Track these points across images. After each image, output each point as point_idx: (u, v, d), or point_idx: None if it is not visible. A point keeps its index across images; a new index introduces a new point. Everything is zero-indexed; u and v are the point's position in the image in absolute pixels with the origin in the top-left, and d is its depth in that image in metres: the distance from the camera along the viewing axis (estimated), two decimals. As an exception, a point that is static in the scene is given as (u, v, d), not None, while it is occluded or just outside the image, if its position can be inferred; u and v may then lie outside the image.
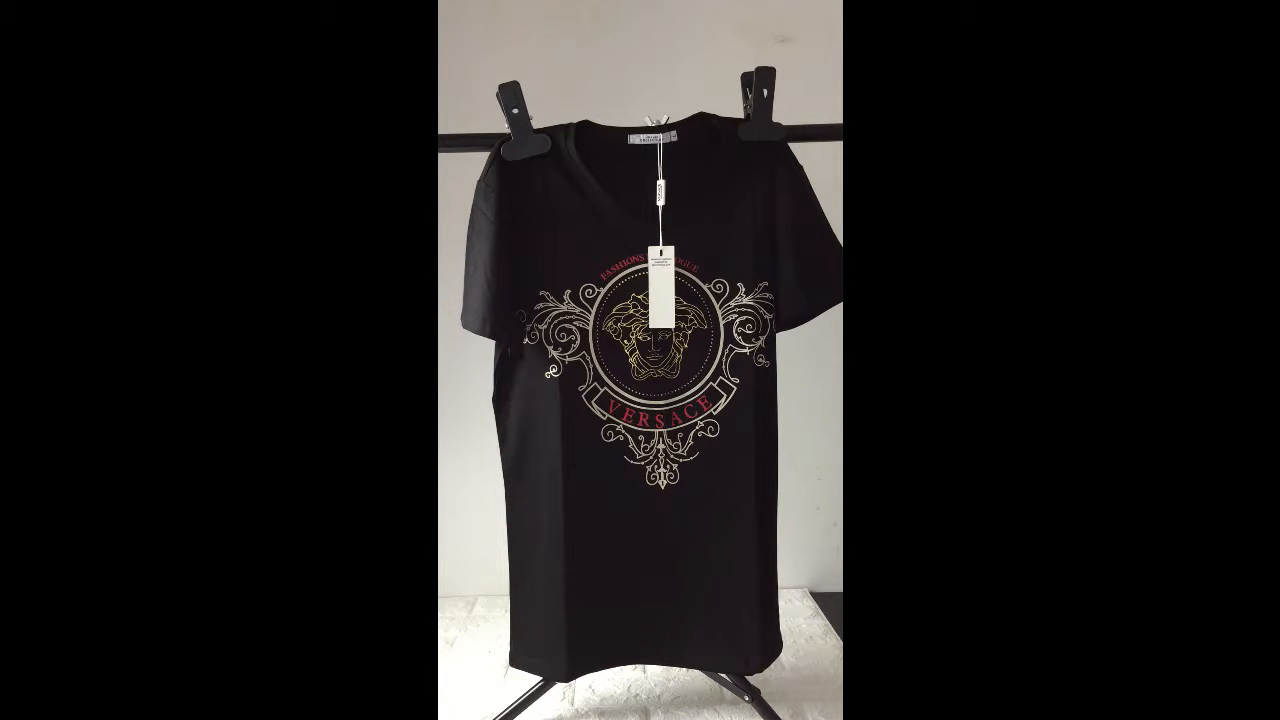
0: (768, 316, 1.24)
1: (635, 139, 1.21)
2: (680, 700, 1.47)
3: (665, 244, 1.19)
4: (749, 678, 1.37)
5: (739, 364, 1.24)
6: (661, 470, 1.25)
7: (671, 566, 1.27)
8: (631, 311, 1.22)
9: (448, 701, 1.48)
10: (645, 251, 1.21)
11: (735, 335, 1.24)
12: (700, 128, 1.21)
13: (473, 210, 1.19)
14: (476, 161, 1.20)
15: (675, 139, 1.20)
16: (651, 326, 1.21)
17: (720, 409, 1.24)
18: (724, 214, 1.21)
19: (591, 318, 1.22)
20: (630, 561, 1.26)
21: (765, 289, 1.23)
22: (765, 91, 1.21)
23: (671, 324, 1.20)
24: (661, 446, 1.25)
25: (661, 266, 1.19)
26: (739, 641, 1.29)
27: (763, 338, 1.24)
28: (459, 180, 1.23)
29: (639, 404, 1.23)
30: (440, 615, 1.85)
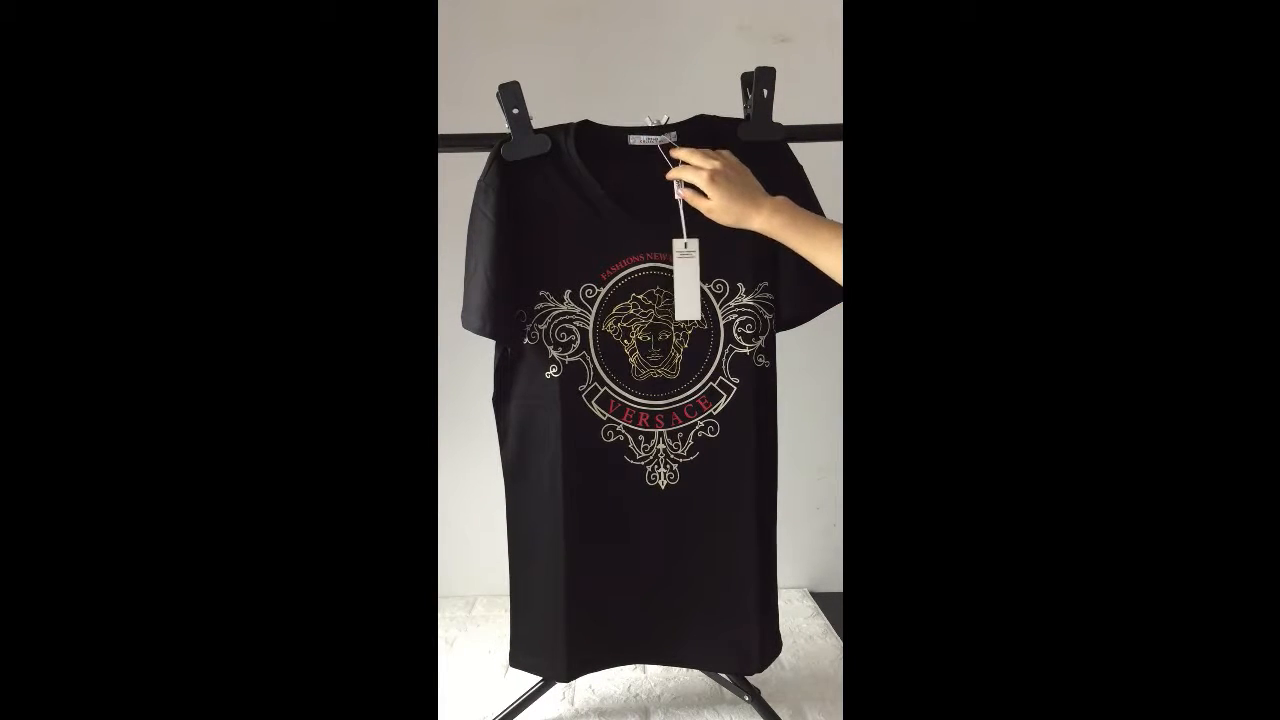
0: (768, 316, 1.24)
1: (635, 139, 1.21)
2: (680, 700, 1.47)
3: (689, 236, 1.19)
4: (749, 678, 1.37)
5: (739, 364, 1.24)
6: (661, 470, 1.25)
7: (671, 566, 1.27)
8: (632, 311, 1.22)
9: (448, 701, 1.48)
10: (644, 252, 1.21)
11: (735, 335, 1.24)
12: (700, 128, 1.21)
13: (473, 210, 1.19)
14: (476, 161, 1.20)
15: (675, 139, 1.20)
16: (678, 319, 1.20)
17: (720, 409, 1.25)
18: None
19: (591, 318, 1.22)
20: (630, 561, 1.26)
21: (765, 289, 1.24)
22: (765, 91, 1.21)
23: (698, 315, 1.20)
24: (661, 446, 1.25)
25: (686, 258, 1.19)
26: (739, 641, 1.29)
27: (763, 338, 1.24)
28: (459, 180, 1.23)
29: (639, 404, 1.24)
30: (440, 615, 1.85)
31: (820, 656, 1.64)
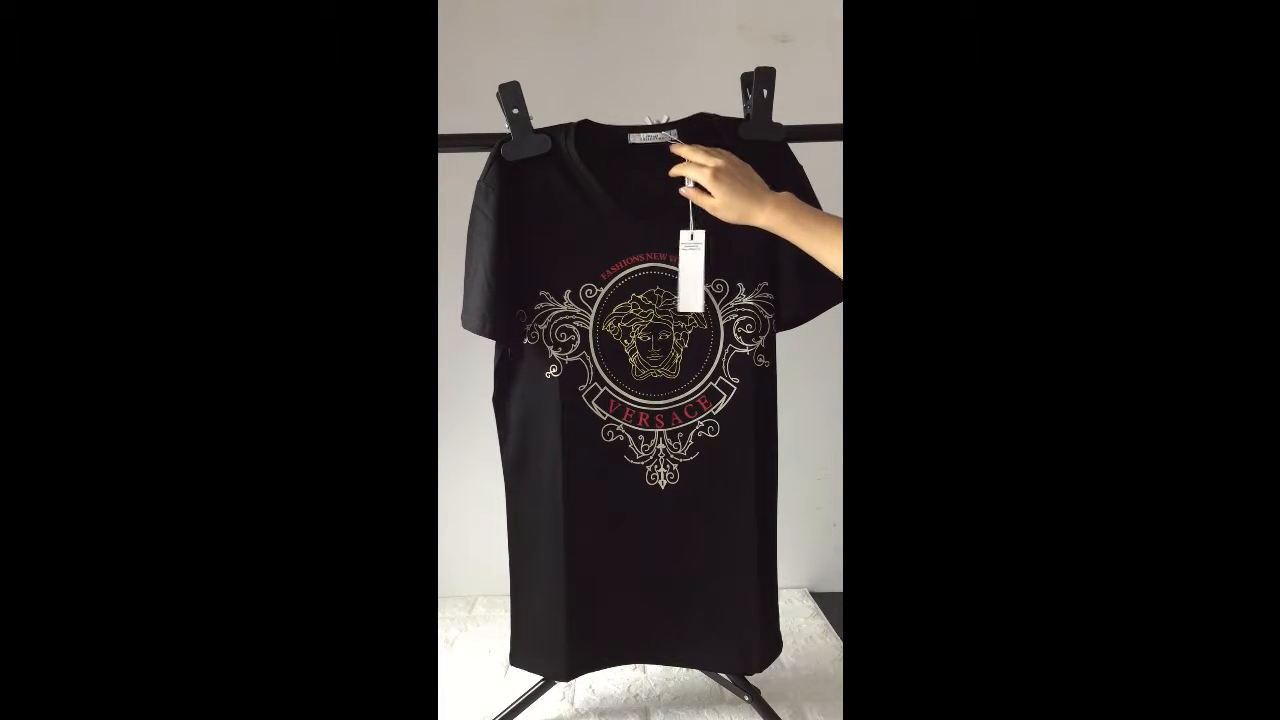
0: (768, 316, 1.24)
1: (635, 138, 1.20)
2: (680, 700, 1.47)
3: (696, 228, 1.18)
4: (749, 677, 1.37)
5: (739, 364, 1.24)
6: (661, 470, 1.25)
7: (671, 566, 1.27)
8: (632, 311, 1.22)
9: (448, 701, 1.48)
10: (645, 252, 1.21)
11: (735, 335, 1.24)
12: (700, 128, 1.21)
13: (473, 210, 1.19)
14: (476, 161, 1.20)
15: (675, 138, 1.20)
16: (681, 309, 1.20)
17: (720, 409, 1.25)
18: None
19: (591, 318, 1.22)
20: (630, 561, 1.26)
21: (765, 289, 1.24)
22: (765, 91, 1.21)
23: (701, 308, 1.20)
24: (661, 446, 1.25)
25: (692, 250, 1.19)
26: (739, 641, 1.29)
27: (763, 338, 1.24)
28: (459, 180, 1.23)
29: (639, 404, 1.24)
30: (440, 615, 1.85)
31: (820, 656, 1.64)
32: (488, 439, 1.28)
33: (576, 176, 1.19)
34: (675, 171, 1.16)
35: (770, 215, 1.09)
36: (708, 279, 1.22)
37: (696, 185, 1.14)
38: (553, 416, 1.22)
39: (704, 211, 1.15)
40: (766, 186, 1.12)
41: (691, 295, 1.19)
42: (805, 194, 1.22)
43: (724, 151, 1.14)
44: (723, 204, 1.11)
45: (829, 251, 1.06)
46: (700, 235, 1.18)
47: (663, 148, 1.18)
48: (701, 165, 1.12)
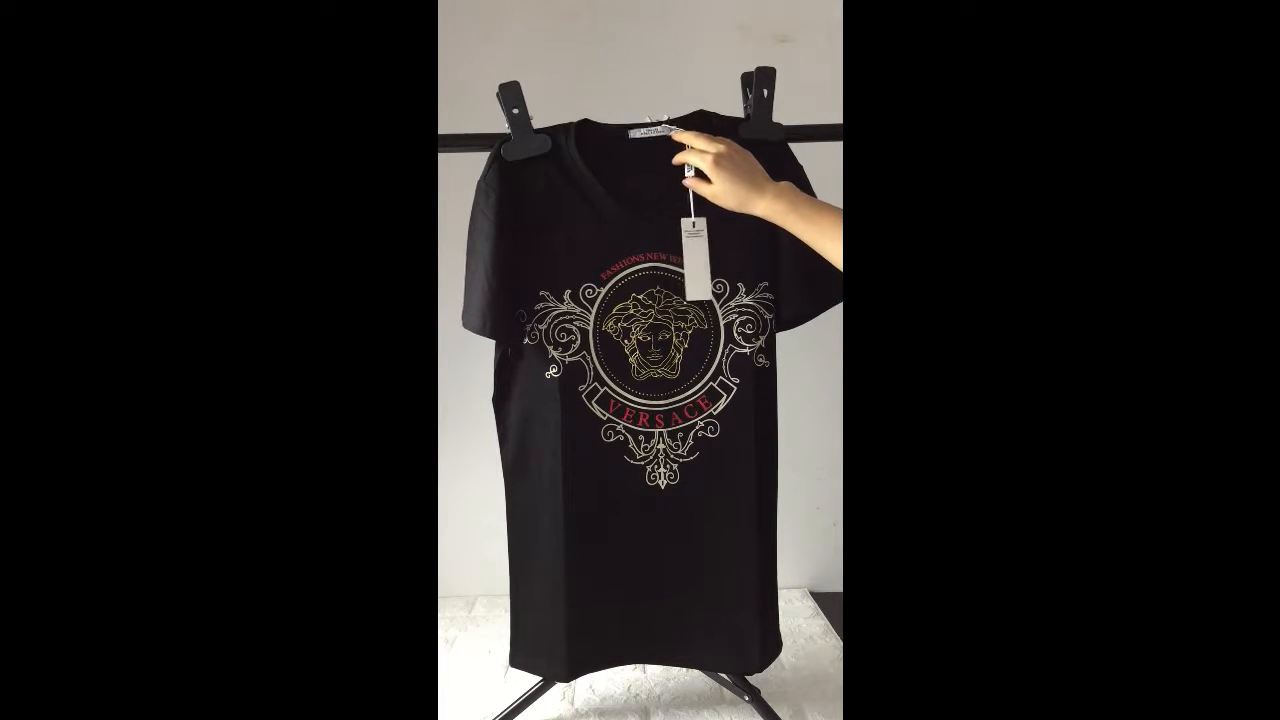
0: (768, 316, 1.24)
1: (636, 133, 1.20)
2: (680, 700, 1.47)
3: (697, 215, 1.17)
4: (749, 678, 1.37)
5: (739, 364, 1.24)
6: (661, 470, 1.25)
7: (671, 566, 1.27)
8: (632, 311, 1.22)
9: (448, 701, 1.48)
10: (645, 252, 1.21)
11: (735, 335, 1.24)
12: (700, 125, 1.21)
13: (473, 210, 1.19)
14: (476, 161, 1.20)
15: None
16: (689, 299, 1.19)
17: (720, 409, 1.25)
18: (724, 213, 1.20)
19: (592, 318, 1.22)
20: (630, 561, 1.26)
21: (765, 289, 1.24)
22: (765, 91, 1.21)
23: (709, 296, 1.19)
24: (661, 446, 1.25)
25: (695, 237, 1.18)
26: (739, 641, 1.29)
27: (763, 338, 1.24)
28: (459, 180, 1.23)
29: (639, 404, 1.24)
30: (440, 615, 1.85)
31: (820, 656, 1.64)
32: (488, 439, 1.28)
33: (577, 176, 1.19)
34: (678, 159, 1.15)
35: (770, 204, 1.09)
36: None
37: (698, 173, 1.13)
38: (553, 416, 1.22)
39: (704, 200, 1.15)
40: (767, 175, 1.11)
41: (699, 283, 1.18)
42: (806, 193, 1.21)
43: (726, 139, 1.13)
44: (722, 191, 1.10)
45: (827, 242, 1.05)
46: (702, 222, 1.17)
47: (664, 147, 1.17)
48: (703, 151, 1.11)
